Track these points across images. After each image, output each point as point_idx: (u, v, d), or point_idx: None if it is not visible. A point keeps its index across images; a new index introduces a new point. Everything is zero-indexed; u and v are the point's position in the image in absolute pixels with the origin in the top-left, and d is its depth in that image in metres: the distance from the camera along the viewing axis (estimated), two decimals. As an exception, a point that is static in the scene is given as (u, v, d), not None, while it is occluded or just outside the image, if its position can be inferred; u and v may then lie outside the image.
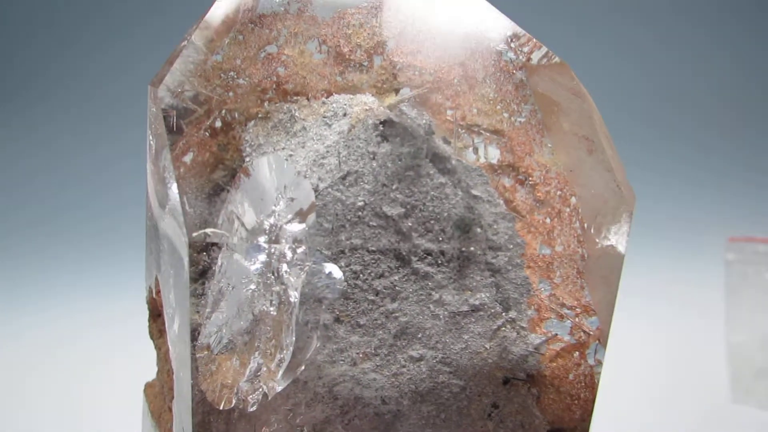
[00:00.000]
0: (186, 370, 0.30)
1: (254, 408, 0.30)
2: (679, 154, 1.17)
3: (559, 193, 0.31)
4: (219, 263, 0.30)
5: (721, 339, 0.63)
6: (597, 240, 0.31)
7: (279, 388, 0.29)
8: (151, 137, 0.32)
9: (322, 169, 0.30)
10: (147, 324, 0.38)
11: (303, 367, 0.29)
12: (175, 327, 0.32)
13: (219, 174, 0.30)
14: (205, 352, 0.30)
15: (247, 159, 0.30)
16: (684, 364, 0.66)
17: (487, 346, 0.30)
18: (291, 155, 0.30)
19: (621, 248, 0.31)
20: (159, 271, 0.33)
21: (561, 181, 0.31)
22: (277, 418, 0.30)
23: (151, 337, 0.38)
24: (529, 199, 0.31)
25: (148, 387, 0.39)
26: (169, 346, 0.33)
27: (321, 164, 0.30)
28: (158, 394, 0.38)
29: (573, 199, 0.31)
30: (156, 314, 0.37)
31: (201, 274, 0.30)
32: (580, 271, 0.31)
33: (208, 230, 0.29)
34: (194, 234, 0.29)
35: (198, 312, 0.30)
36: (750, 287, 0.62)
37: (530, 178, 0.31)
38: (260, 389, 0.30)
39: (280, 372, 0.29)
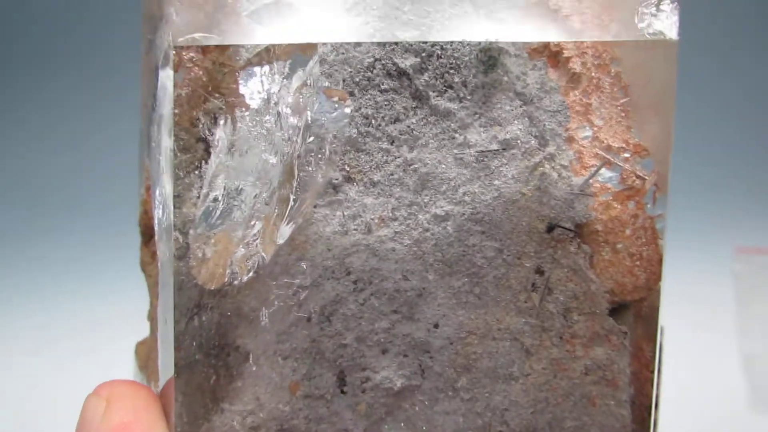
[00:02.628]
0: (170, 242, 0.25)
1: (250, 276, 0.25)
2: (685, 163, 1.08)
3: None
4: (217, 137, 0.26)
5: (735, 350, 0.64)
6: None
7: (281, 241, 0.24)
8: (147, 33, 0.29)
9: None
10: (139, 255, 0.34)
11: (306, 217, 0.25)
12: (162, 215, 0.27)
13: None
14: (199, 231, 0.25)
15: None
16: (698, 373, 0.65)
17: (524, 191, 0.25)
18: None
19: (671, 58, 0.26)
20: (150, 160, 0.29)
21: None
22: (279, 298, 0.25)
23: (143, 268, 0.33)
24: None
25: (139, 345, 0.34)
26: (157, 246, 0.28)
27: None
28: (147, 345, 0.33)
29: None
30: (148, 237, 0.33)
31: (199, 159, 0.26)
32: (624, 109, 0.26)
33: (196, 35, 0.25)
34: (180, 39, 0.25)
35: (190, 200, 0.26)
36: (761, 299, 0.63)
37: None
38: (257, 254, 0.25)
39: (282, 224, 0.25)
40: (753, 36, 1.28)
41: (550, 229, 0.25)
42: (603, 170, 0.26)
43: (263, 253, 0.25)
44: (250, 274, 0.25)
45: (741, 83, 1.25)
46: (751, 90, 1.24)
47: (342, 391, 0.26)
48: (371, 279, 0.25)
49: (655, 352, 0.26)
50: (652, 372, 0.26)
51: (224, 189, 0.26)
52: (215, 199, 0.26)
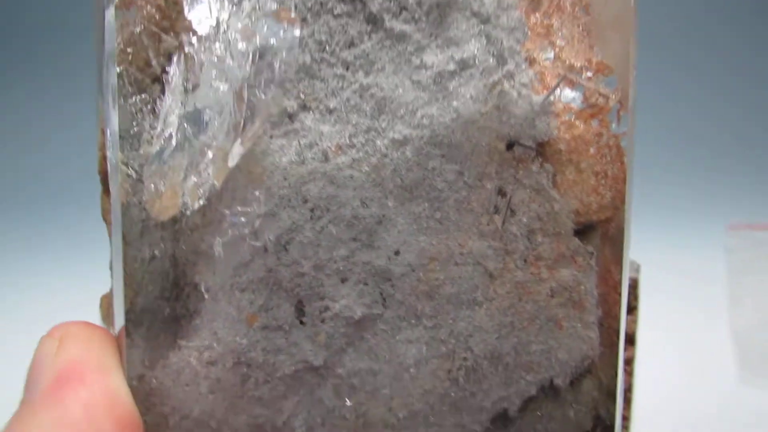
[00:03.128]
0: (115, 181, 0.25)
1: (201, 203, 0.24)
2: (677, 142, 1.17)
3: None
4: (171, 74, 0.25)
5: (725, 324, 0.65)
6: None
7: (231, 164, 0.24)
8: None
9: None
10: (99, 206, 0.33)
11: (257, 140, 0.24)
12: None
13: None
14: (153, 168, 0.25)
15: None
16: (689, 349, 0.67)
17: (484, 111, 0.24)
18: None
19: None
20: (102, 101, 0.28)
21: None
22: (234, 227, 0.25)
23: (104, 217, 0.32)
24: None
25: (103, 298, 0.34)
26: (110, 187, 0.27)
27: None
28: (109, 297, 0.32)
29: None
30: (107, 185, 0.32)
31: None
32: (586, 28, 0.26)
33: None
34: None
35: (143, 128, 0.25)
36: (753, 274, 0.64)
37: None
38: (208, 182, 0.24)
39: (233, 147, 0.24)
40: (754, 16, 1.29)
41: (510, 146, 0.24)
42: (566, 90, 0.25)
43: (215, 181, 0.24)
44: (201, 201, 0.24)
45: (734, 60, 1.26)
46: (744, 68, 1.25)
47: (301, 322, 0.25)
48: (328, 206, 0.25)
49: (622, 275, 0.25)
50: (620, 294, 0.25)
51: (178, 124, 0.25)
52: (170, 136, 0.25)
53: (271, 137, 0.25)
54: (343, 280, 0.25)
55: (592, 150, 0.25)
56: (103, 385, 0.24)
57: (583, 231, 0.25)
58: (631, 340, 0.32)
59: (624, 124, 0.25)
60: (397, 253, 0.25)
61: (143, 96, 0.25)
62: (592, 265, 0.25)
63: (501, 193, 0.25)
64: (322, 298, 0.25)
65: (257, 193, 0.25)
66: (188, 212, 0.24)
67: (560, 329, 0.25)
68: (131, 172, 0.25)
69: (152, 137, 0.25)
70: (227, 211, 0.24)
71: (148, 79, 0.25)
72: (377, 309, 0.25)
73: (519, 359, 0.25)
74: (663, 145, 1.16)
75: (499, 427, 0.25)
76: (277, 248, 0.25)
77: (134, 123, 0.25)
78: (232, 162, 0.24)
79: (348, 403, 0.25)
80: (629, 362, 0.32)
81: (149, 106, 0.25)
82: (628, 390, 0.32)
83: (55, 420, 0.22)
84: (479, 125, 0.24)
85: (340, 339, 0.25)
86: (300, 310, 0.25)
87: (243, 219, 0.24)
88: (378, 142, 0.25)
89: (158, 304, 0.25)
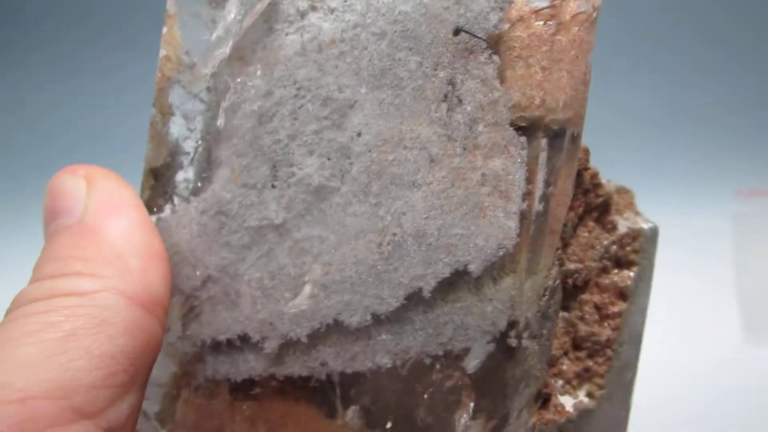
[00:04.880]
0: None
1: (214, 70, 0.29)
2: (683, 107, 1.17)
3: None
4: None
5: (729, 285, 0.69)
6: None
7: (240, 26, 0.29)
8: None
9: None
10: None
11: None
12: None
13: None
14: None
15: None
16: (694, 309, 0.70)
17: (446, 4, 0.26)
18: None
19: None
20: None
21: None
22: (235, 93, 0.29)
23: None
24: None
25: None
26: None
27: None
28: None
29: None
30: None
31: None
32: None
33: None
34: None
35: None
36: (760, 234, 0.68)
37: None
38: (222, 51, 0.30)
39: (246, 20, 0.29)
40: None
41: (456, 32, 0.26)
42: None
43: (227, 50, 0.29)
44: (214, 69, 0.29)
45: (742, 24, 1.23)
46: (750, 31, 1.22)
47: (272, 185, 0.28)
48: (310, 88, 0.28)
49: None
50: (566, 204, 0.24)
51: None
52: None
53: (286, 34, 0.29)
54: (311, 153, 0.28)
55: (545, 48, 0.25)
56: (137, 217, 0.27)
57: (528, 127, 0.25)
58: (622, 295, 0.29)
59: (585, 29, 0.25)
60: (359, 134, 0.27)
61: None
62: (523, 156, 0.24)
63: (451, 82, 0.26)
64: (290, 165, 0.28)
65: (259, 72, 0.29)
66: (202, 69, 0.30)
67: (483, 216, 0.25)
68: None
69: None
70: (232, 80, 0.29)
71: None
72: (335, 182, 0.27)
73: (440, 241, 0.25)
74: (671, 110, 1.17)
75: (414, 305, 0.25)
76: (264, 118, 0.29)
77: None
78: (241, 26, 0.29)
79: (295, 262, 0.28)
80: (614, 316, 0.29)
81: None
82: (608, 343, 0.29)
83: (97, 242, 0.26)
84: (441, 18, 0.26)
85: (300, 204, 0.28)
86: (274, 175, 0.29)
87: (246, 91, 0.29)
88: (362, 37, 0.28)
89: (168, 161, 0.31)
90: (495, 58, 0.25)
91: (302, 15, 0.29)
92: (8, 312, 0.23)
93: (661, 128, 1.14)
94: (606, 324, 0.29)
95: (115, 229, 0.26)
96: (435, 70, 0.26)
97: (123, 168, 0.32)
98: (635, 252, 0.30)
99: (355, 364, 0.26)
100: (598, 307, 0.29)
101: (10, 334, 0.22)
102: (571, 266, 0.29)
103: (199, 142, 0.31)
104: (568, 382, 0.28)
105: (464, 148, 0.25)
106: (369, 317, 0.26)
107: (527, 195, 0.24)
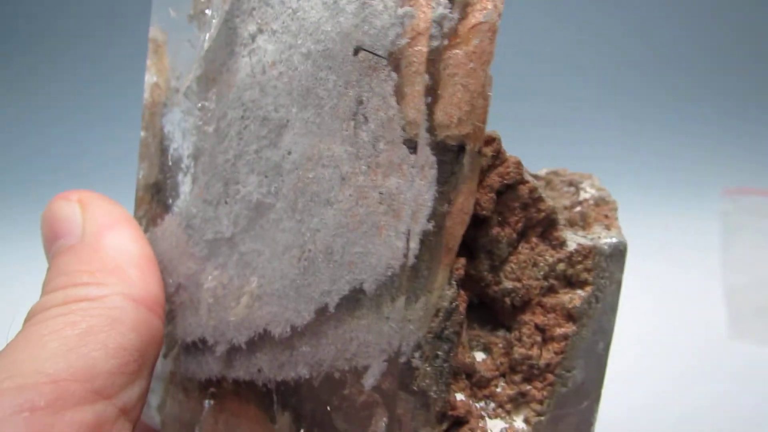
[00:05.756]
0: None
1: (182, 94, 0.32)
2: (672, 107, 1.23)
3: None
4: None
5: (716, 282, 0.71)
6: None
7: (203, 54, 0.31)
8: None
9: None
10: None
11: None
12: None
13: None
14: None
15: None
16: (680, 305, 0.73)
17: (356, 22, 0.26)
18: None
19: None
20: None
21: None
22: (196, 116, 0.32)
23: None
24: None
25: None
26: None
27: None
28: None
29: None
30: None
31: None
32: None
33: None
34: None
35: None
36: (745, 233, 0.69)
37: None
38: (191, 78, 0.32)
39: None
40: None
41: (356, 52, 0.26)
42: (436, 8, 0.25)
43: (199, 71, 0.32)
44: (187, 89, 0.32)
45: (730, 28, 1.27)
46: (738, 35, 1.26)
47: (225, 201, 0.31)
48: (254, 109, 0.30)
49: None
50: (464, 222, 0.24)
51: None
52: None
53: (242, 57, 0.31)
54: (252, 171, 0.30)
55: (439, 62, 0.24)
56: (129, 231, 0.32)
57: (418, 144, 0.24)
58: (570, 317, 0.27)
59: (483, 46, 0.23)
60: (289, 152, 0.28)
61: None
62: (413, 174, 0.24)
63: (359, 100, 0.26)
64: (237, 183, 0.30)
65: (215, 97, 0.31)
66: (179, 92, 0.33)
67: (379, 235, 0.25)
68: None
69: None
70: (201, 102, 0.32)
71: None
72: (271, 199, 0.29)
73: (344, 258, 0.26)
74: (663, 114, 1.23)
75: (327, 320, 0.26)
76: (219, 139, 0.31)
77: None
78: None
79: (239, 273, 0.30)
80: (559, 339, 0.27)
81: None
82: (549, 368, 0.27)
83: (101, 254, 0.30)
84: (351, 36, 0.26)
85: (244, 220, 0.30)
86: (226, 192, 0.31)
87: (210, 112, 0.31)
88: (294, 58, 0.29)
89: (160, 178, 0.34)
90: (393, 75, 0.25)
91: (252, 38, 0.31)
92: (25, 321, 0.27)
93: (655, 131, 1.20)
94: (549, 347, 0.27)
95: (112, 243, 0.30)
96: (346, 88, 0.26)
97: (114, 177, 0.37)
98: (588, 271, 0.28)
99: (282, 372, 0.28)
100: (541, 329, 0.28)
101: (34, 334, 0.26)
102: (508, 285, 0.27)
103: (186, 161, 0.33)
104: (500, 405, 0.27)
105: (368, 167, 0.26)
106: (289, 329, 0.27)
107: (417, 214, 0.24)
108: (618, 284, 0.28)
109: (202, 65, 0.32)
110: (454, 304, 0.24)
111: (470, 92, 0.24)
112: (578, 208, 0.31)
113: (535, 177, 0.34)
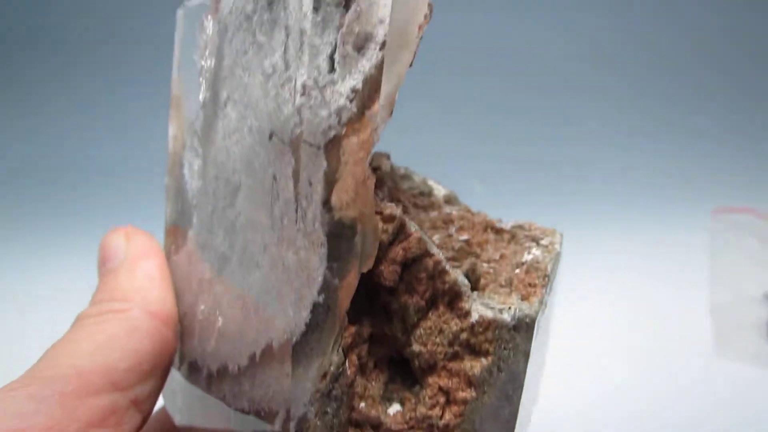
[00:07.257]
0: None
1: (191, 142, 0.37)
2: (662, 125, 1.26)
3: None
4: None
5: (703, 299, 0.74)
6: None
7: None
8: None
9: None
10: None
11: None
12: None
13: None
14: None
15: None
16: (666, 322, 0.75)
17: (273, 106, 0.29)
18: None
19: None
20: None
21: None
22: (191, 167, 0.37)
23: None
24: None
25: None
26: None
27: None
28: None
29: None
30: None
31: None
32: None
33: None
34: None
35: None
36: (733, 251, 0.71)
37: None
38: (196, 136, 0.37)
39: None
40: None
41: (270, 136, 0.29)
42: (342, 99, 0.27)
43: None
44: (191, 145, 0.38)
45: (719, 47, 1.32)
46: (731, 54, 1.31)
47: (208, 247, 0.36)
48: (222, 169, 0.34)
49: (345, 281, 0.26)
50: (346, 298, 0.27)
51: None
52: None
53: (220, 119, 0.36)
54: (219, 225, 0.34)
55: (339, 152, 0.27)
56: (157, 261, 0.40)
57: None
58: (471, 383, 0.28)
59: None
60: (239, 214, 0.33)
61: None
62: (306, 247, 0.27)
63: (275, 178, 0.29)
64: (212, 233, 0.35)
65: (202, 156, 0.36)
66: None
67: (282, 302, 0.28)
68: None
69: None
70: (189, 154, 0.37)
71: None
72: (229, 252, 0.34)
73: (263, 316, 0.30)
74: (656, 137, 1.25)
75: (253, 365, 0.31)
76: (207, 192, 0.36)
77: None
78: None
79: (212, 310, 0.35)
80: (460, 403, 0.28)
81: None
82: (446, 428, 0.29)
83: (132, 277, 0.38)
84: (270, 119, 0.30)
85: (217, 265, 0.35)
86: (209, 239, 0.36)
87: (195, 164, 0.36)
88: (245, 129, 0.33)
89: (179, 216, 0.40)
90: (292, 160, 0.28)
91: (225, 104, 0.35)
92: (74, 323, 0.36)
93: (646, 153, 1.22)
94: (450, 409, 0.29)
95: (143, 269, 0.38)
96: (268, 165, 0.30)
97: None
98: (489, 342, 0.29)
99: (235, 402, 0.33)
100: (445, 391, 0.29)
101: (74, 335, 0.35)
102: (416, 348, 0.29)
103: (193, 201, 0.39)
104: None
105: (278, 239, 0.29)
106: (236, 368, 0.32)
107: (310, 287, 0.27)
108: (525, 354, 0.29)
109: (201, 116, 0.37)
110: (340, 369, 0.28)
111: (355, 180, 0.26)
112: (517, 271, 0.32)
113: (500, 230, 0.35)
